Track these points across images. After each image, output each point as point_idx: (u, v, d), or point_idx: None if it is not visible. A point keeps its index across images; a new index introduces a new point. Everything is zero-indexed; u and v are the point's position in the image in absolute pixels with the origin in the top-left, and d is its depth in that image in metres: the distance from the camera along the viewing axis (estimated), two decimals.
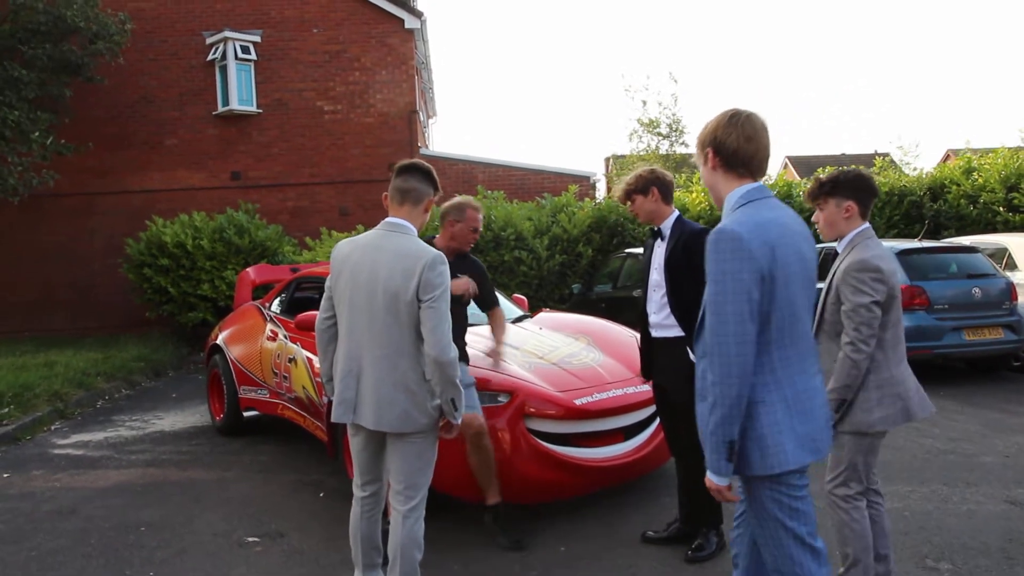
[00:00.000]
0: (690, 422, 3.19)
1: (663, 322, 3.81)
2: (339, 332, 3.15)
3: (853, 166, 11.85)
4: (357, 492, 3.22)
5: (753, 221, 2.21)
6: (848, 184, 3.07)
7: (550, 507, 4.46)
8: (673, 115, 27.68)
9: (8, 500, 5.17)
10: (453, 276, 3.45)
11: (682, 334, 3.68)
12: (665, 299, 3.77)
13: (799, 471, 2.24)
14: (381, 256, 2.99)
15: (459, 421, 3.07)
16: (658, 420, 4.67)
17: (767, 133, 2.33)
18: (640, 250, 8.82)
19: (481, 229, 4.34)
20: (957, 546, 3.86)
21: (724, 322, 2.16)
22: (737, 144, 2.29)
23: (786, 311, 2.21)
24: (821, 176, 3.20)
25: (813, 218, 3.24)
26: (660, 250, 3.84)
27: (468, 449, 3.96)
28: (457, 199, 4.22)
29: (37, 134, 11.59)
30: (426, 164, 3.20)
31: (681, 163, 27.59)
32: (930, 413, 3.09)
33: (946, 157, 35.77)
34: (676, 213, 3.89)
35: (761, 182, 2.34)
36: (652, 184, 3.81)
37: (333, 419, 3.11)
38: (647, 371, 4.03)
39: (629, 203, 3.89)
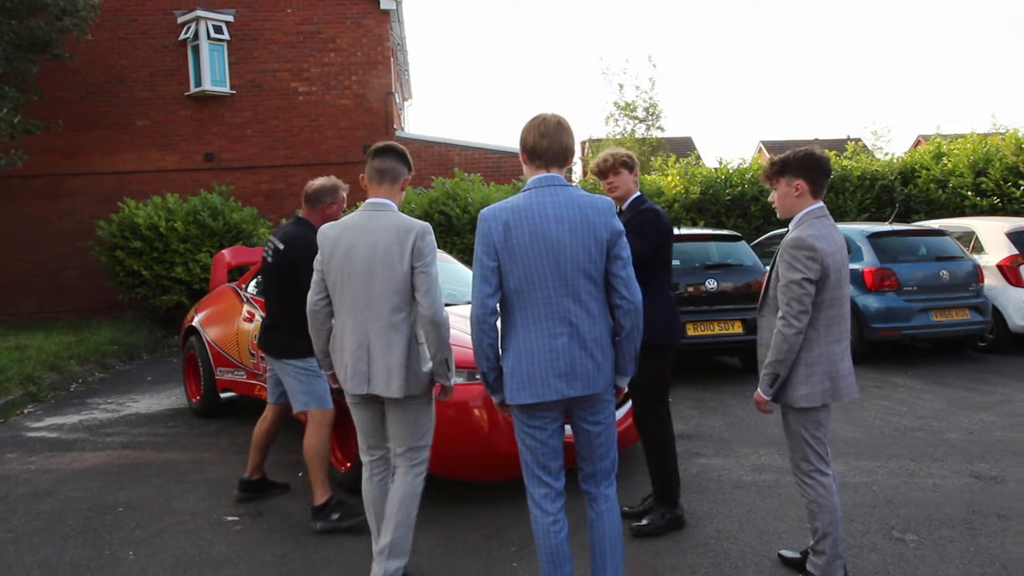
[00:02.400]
0: (642, 399, 3.27)
1: None
2: (338, 310, 3.28)
3: (825, 150, 11.98)
4: (366, 458, 3.41)
5: (505, 204, 2.74)
6: (798, 163, 3.11)
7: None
8: (650, 99, 27.73)
9: None
10: None
11: None
12: None
13: None
14: (373, 234, 3.16)
15: (452, 383, 3.27)
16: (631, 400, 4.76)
17: (561, 130, 2.79)
18: None
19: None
20: (923, 518, 3.99)
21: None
22: (533, 141, 2.79)
23: (518, 279, 2.69)
24: (774, 156, 3.25)
25: (769, 198, 3.31)
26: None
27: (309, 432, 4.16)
28: (322, 180, 4.29)
29: (4, 112, 11.35)
30: (400, 146, 3.36)
31: (657, 147, 27.66)
32: (854, 398, 3.16)
33: (917, 142, 36.29)
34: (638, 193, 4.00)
35: (553, 172, 2.78)
36: (622, 165, 3.93)
37: (350, 391, 3.24)
38: None
39: (612, 176, 3.92)
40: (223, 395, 6.58)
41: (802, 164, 3.12)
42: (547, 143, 2.78)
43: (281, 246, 4.24)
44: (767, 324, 3.21)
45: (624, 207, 3.93)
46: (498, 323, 2.80)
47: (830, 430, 3.20)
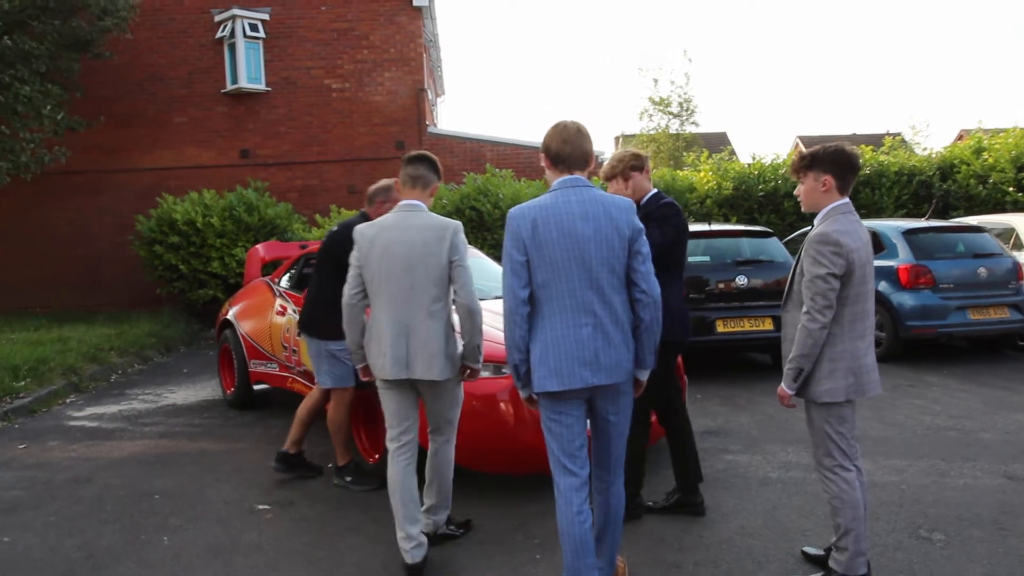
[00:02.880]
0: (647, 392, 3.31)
1: None
2: (375, 302, 3.54)
3: (862, 146, 11.75)
4: (393, 445, 3.56)
5: (532, 203, 2.89)
6: (827, 158, 3.11)
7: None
8: (685, 94, 27.50)
9: (26, 469, 5.31)
10: None
11: None
12: None
13: None
14: (410, 232, 3.49)
15: (480, 365, 3.62)
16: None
17: (581, 136, 2.94)
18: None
19: None
20: (951, 518, 3.94)
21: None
22: (556, 148, 2.94)
23: (546, 274, 2.83)
24: (803, 150, 3.25)
25: (795, 191, 3.30)
26: None
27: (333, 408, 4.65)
28: (383, 182, 4.64)
29: (48, 109, 11.66)
30: (432, 155, 3.77)
31: (691, 142, 27.43)
32: (877, 394, 3.17)
33: (960, 137, 35.46)
34: (654, 190, 4.05)
35: (577, 174, 2.92)
36: (645, 162, 3.99)
37: (390, 376, 3.47)
38: None
39: (622, 182, 3.96)
40: (256, 387, 6.71)
41: (831, 159, 3.11)
42: (569, 148, 2.94)
43: (335, 227, 4.66)
44: (791, 319, 3.21)
45: (642, 203, 3.93)
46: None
47: (856, 426, 3.19)
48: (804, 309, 3.06)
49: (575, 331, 2.81)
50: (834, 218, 3.09)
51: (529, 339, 2.87)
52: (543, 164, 3.03)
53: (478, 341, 3.52)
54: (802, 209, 3.27)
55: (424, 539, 3.52)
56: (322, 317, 4.57)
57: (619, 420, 2.96)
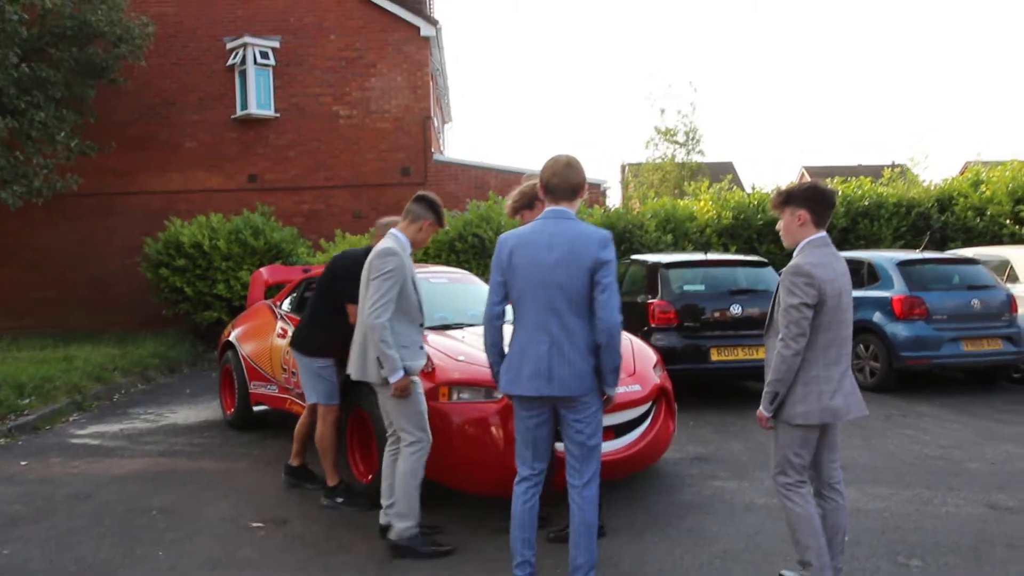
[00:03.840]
0: None
1: None
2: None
3: (861, 177, 11.87)
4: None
5: (516, 231, 3.33)
6: (801, 195, 3.30)
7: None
8: (690, 123, 27.81)
9: (28, 484, 5.43)
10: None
11: None
12: None
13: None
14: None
15: (388, 374, 3.90)
16: (649, 419, 4.86)
17: (569, 168, 3.28)
18: (645, 257, 8.99)
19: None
20: (930, 545, 4.01)
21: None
22: (546, 179, 3.30)
23: (522, 292, 3.24)
24: (781, 187, 3.49)
25: (776, 226, 3.48)
26: None
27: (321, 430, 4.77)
28: (388, 219, 4.75)
29: (62, 135, 11.94)
30: (433, 197, 4.18)
31: (697, 171, 27.66)
32: (860, 415, 3.30)
33: (964, 169, 35.55)
34: None
35: (562, 206, 3.27)
36: (536, 197, 3.96)
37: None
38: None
39: (519, 217, 4.07)
40: (256, 408, 6.83)
41: (805, 196, 3.29)
42: (557, 180, 3.28)
43: (340, 253, 5.02)
44: (772, 346, 3.34)
45: None
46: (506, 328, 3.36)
47: (840, 453, 3.39)
48: (780, 337, 3.20)
49: (535, 347, 3.21)
50: (810, 251, 3.25)
51: (509, 344, 3.34)
52: (540, 193, 3.38)
53: (374, 354, 3.88)
54: (784, 244, 3.41)
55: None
56: (309, 335, 4.84)
57: (586, 429, 3.25)
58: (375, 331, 3.85)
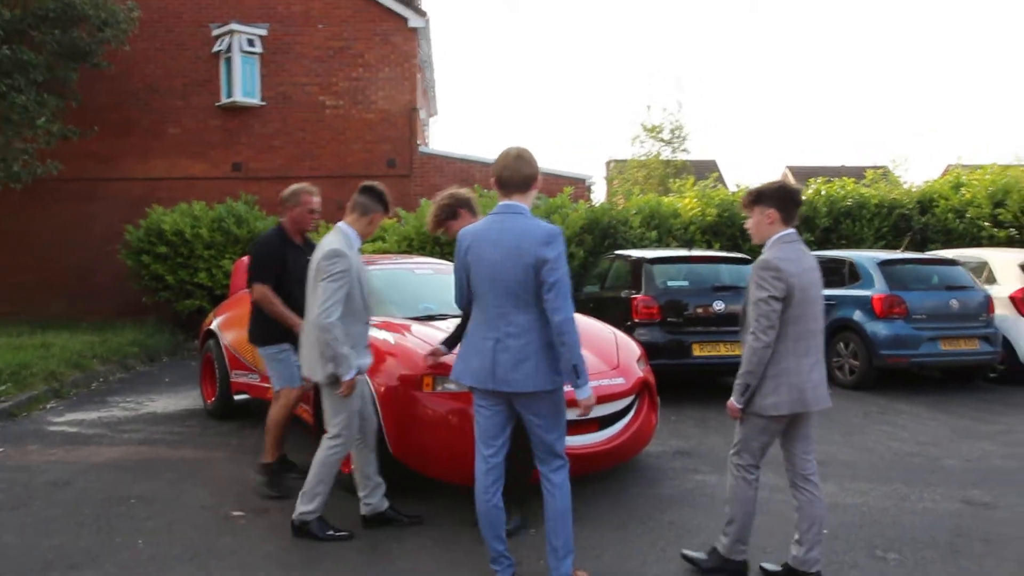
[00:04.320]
0: None
1: None
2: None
3: (844, 178, 11.99)
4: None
5: (472, 227, 3.37)
6: (770, 194, 3.46)
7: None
8: (676, 121, 27.91)
9: (5, 471, 5.36)
10: (303, 257, 4.47)
11: None
12: None
13: None
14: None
15: (338, 370, 3.92)
16: (632, 412, 4.89)
17: (520, 161, 3.27)
18: (629, 252, 9.02)
19: (318, 210, 5.01)
20: (907, 539, 4.07)
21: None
22: (498, 172, 3.28)
23: (476, 287, 3.28)
24: (751, 187, 3.66)
25: (745, 224, 3.61)
26: None
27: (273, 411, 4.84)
28: (292, 187, 4.99)
29: (43, 120, 11.76)
30: (379, 187, 4.19)
31: (682, 169, 27.77)
32: (825, 407, 3.46)
33: (946, 172, 35.99)
34: None
35: (515, 200, 3.26)
36: (458, 207, 4.10)
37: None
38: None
39: (443, 230, 4.16)
40: (237, 397, 6.78)
41: (775, 195, 3.46)
42: (508, 174, 3.26)
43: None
44: (745, 340, 3.44)
45: None
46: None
47: (815, 447, 3.54)
48: (750, 330, 3.32)
49: (483, 342, 3.25)
50: (778, 246, 3.40)
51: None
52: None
53: (320, 353, 3.92)
54: (753, 241, 3.54)
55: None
56: (257, 325, 4.95)
57: (543, 423, 3.27)
58: (327, 331, 3.84)
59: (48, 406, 7.62)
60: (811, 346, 3.37)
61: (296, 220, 4.97)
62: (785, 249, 3.37)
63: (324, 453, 4.05)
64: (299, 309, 4.38)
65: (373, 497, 4.22)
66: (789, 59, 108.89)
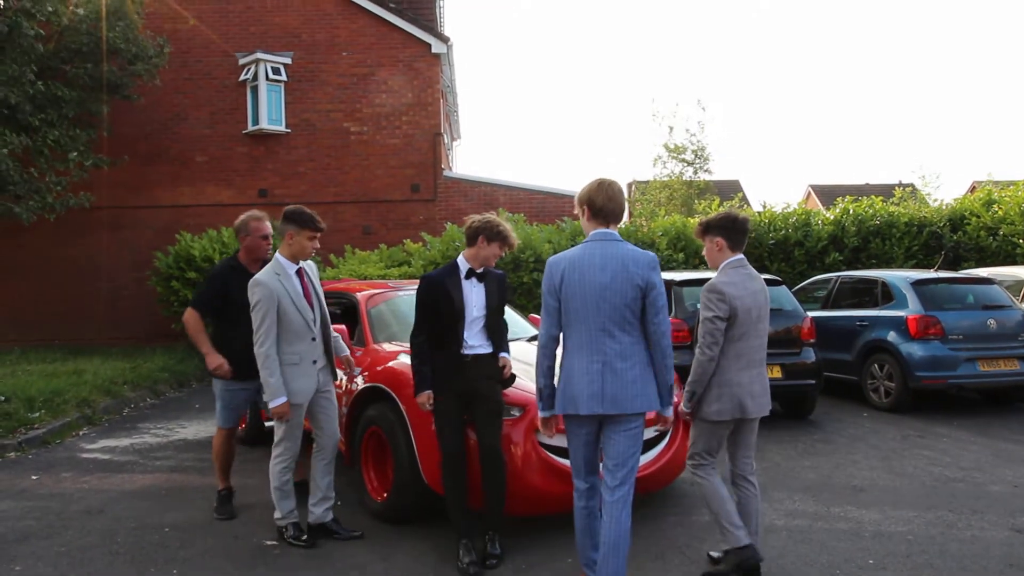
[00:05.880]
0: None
1: (481, 343, 4.20)
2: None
3: (873, 196, 11.90)
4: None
5: (566, 254, 3.42)
6: (717, 224, 3.84)
7: (557, 520, 4.57)
8: (699, 142, 27.88)
9: (39, 499, 5.38)
10: (239, 284, 4.50)
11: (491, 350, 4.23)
12: (483, 325, 4.21)
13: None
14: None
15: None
16: (666, 440, 4.80)
17: (622, 195, 3.43)
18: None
19: (271, 234, 4.98)
20: (956, 569, 3.94)
21: None
22: (601, 203, 3.40)
23: (577, 311, 3.32)
24: (701, 219, 4.03)
25: (702, 252, 3.90)
26: (479, 289, 4.20)
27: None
28: (242, 216, 4.98)
29: (75, 154, 12.00)
30: (293, 207, 4.41)
31: (705, 189, 27.69)
32: (763, 415, 3.81)
33: (972, 188, 35.60)
34: None
35: (610, 228, 3.41)
36: (478, 233, 4.17)
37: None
38: (460, 382, 4.12)
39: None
40: (267, 424, 6.77)
41: (720, 225, 3.83)
42: (612, 205, 3.42)
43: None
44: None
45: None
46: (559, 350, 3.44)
47: (721, 444, 3.88)
48: (697, 345, 3.72)
49: (590, 366, 3.29)
50: (726, 272, 3.77)
51: (560, 367, 3.41)
52: (579, 214, 3.48)
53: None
54: (709, 266, 3.86)
55: None
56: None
57: (627, 444, 3.35)
58: (259, 361, 4.18)
59: (81, 433, 7.68)
60: (754, 360, 3.75)
61: (250, 249, 4.96)
62: (731, 274, 3.74)
63: (272, 463, 4.41)
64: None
65: (318, 507, 4.49)
66: (811, 77, 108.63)
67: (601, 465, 3.45)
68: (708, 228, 3.85)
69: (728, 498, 3.76)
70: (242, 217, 4.99)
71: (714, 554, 4.01)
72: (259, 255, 4.94)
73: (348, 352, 4.87)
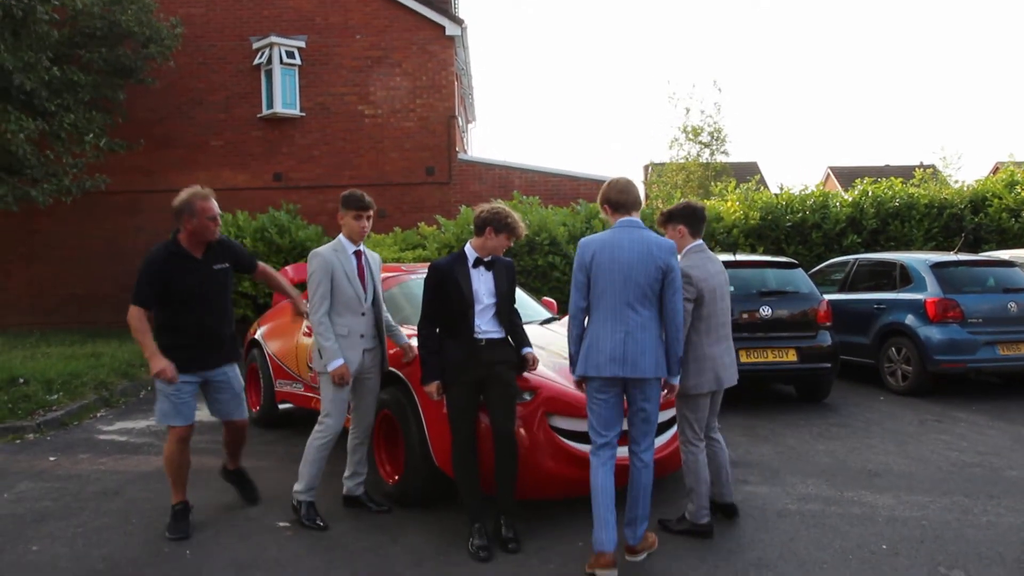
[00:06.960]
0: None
1: (495, 328, 4.20)
2: None
3: (892, 178, 11.71)
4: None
5: (597, 236, 3.79)
6: (678, 213, 4.25)
7: (567, 504, 4.56)
8: (715, 123, 27.55)
9: (57, 480, 5.45)
10: (207, 268, 4.44)
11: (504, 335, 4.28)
12: (495, 313, 4.20)
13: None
14: None
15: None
16: (675, 428, 4.77)
17: (632, 186, 3.86)
18: None
19: (219, 214, 4.42)
20: (972, 555, 3.89)
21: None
22: (615, 197, 3.83)
23: (605, 287, 3.69)
24: (663, 209, 4.44)
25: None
26: (487, 277, 4.19)
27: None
28: (182, 195, 4.33)
29: (91, 136, 12.05)
30: (347, 191, 4.52)
31: (721, 171, 27.41)
32: (732, 384, 4.21)
33: (995, 169, 35.04)
34: None
35: (633, 216, 3.80)
36: (486, 224, 4.13)
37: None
38: (474, 368, 4.09)
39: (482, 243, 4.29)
40: (281, 406, 6.82)
41: (681, 213, 4.24)
42: (625, 196, 3.84)
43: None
44: None
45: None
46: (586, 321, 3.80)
47: (706, 415, 4.17)
48: None
49: (612, 335, 3.66)
50: (689, 256, 4.13)
51: (585, 335, 3.77)
52: (603, 212, 3.89)
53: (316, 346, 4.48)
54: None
55: None
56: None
57: (649, 407, 3.73)
58: (314, 327, 4.37)
59: (98, 415, 7.76)
60: (721, 336, 4.15)
61: (195, 232, 4.33)
62: (694, 258, 4.12)
63: (311, 436, 4.48)
64: (209, 327, 4.47)
65: (350, 480, 4.68)
66: (830, 58, 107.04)
67: (630, 429, 3.79)
68: (671, 217, 4.26)
69: (707, 480, 4.11)
70: (183, 196, 4.31)
71: (663, 519, 4.31)
72: (207, 238, 4.39)
73: (407, 340, 4.71)
